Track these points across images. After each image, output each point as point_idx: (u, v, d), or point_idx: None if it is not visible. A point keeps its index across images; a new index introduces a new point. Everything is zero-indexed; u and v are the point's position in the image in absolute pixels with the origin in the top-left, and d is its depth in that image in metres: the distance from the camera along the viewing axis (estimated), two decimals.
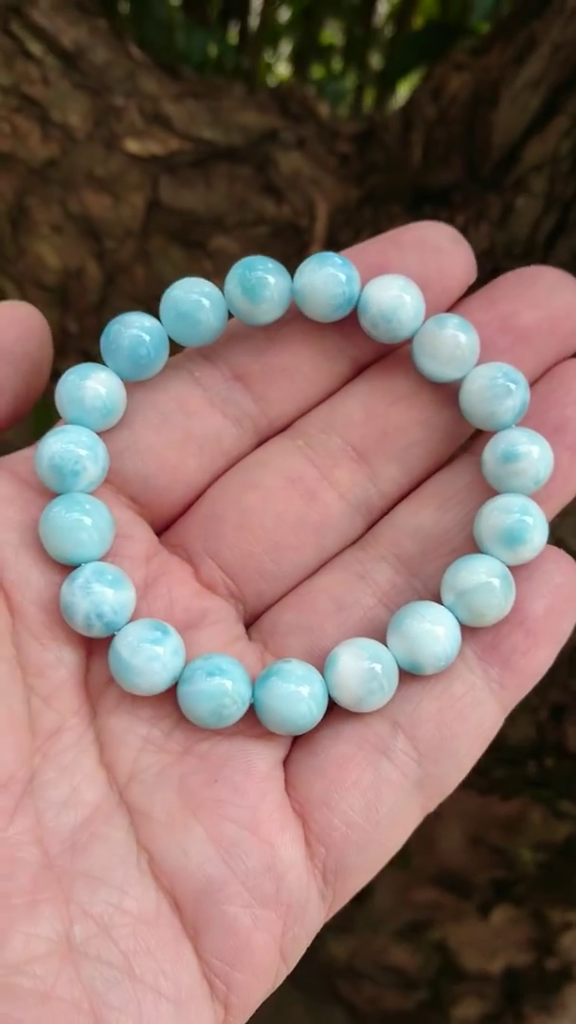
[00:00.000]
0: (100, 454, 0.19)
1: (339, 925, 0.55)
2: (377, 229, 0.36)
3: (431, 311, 0.20)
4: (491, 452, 0.19)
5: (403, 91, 0.74)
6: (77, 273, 0.36)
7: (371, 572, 0.20)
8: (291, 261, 0.37)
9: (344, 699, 0.18)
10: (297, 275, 0.20)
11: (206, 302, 0.20)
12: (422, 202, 0.35)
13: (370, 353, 0.21)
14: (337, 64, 0.81)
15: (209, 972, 0.17)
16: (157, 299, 0.38)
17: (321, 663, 0.19)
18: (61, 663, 0.18)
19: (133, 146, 0.35)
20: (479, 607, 0.18)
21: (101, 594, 0.18)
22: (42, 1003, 0.15)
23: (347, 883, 0.18)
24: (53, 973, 0.16)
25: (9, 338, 0.19)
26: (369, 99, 0.75)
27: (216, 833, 0.18)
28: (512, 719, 0.31)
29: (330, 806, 0.18)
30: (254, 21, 0.57)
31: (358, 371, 0.21)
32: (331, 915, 0.19)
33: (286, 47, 1.03)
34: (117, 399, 0.19)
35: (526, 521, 0.19)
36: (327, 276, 0.19)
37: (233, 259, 0.36)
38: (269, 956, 0.17)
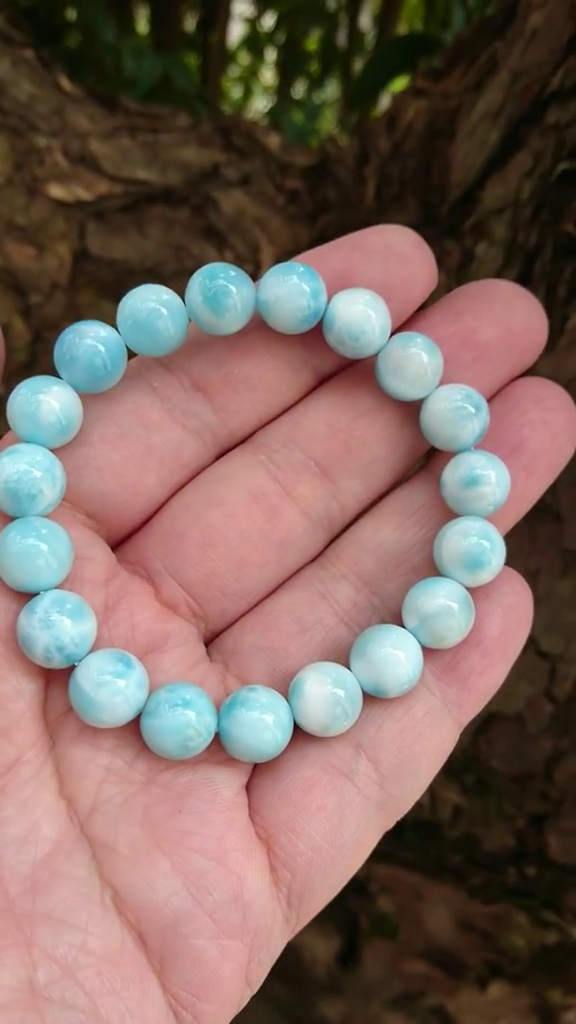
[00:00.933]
0: (57, 475, 0.18)
1: (329, 986, 0.53)
2: None
3: (394, 320, 0.20)
4: (451, 475, 0.19)
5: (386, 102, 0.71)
6: (2, 330, 0.33)
7: (332, 591, 0.20)
8: None
9: (310, 726, 0.18)
10: (261, 286, 0.19)
11: (164, 311, 0.19)
12: None
13: (333, 364, 0.21)
14: (315, 68, 0.78)
15: (176, 1004, 0.17)
16: None
17: (284, 684, 0.19)
18: (20, 695, 0.18)
19: (57, 191, 0.32)
20: (441, 631, 0.19)
21: (60, 625, 0.17)
22: None
23: (311, 904, 0.18)
24: (17, 1022, 0.15)
25: None
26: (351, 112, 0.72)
27: (183, 865, 0.17)
28: (488, 826, 0.28)
29: (296, 831, 0.18)
30: (217, 37, 0.54)
31: (320, 382, 0.21)
32: (295, 935, 0.19)
33: (270, 55, 1.00)
34: (73, 414, 0.19)
35: (484, 545, 0.19)
36: (292, 289, 0.19)
37: None
38: (236, 984, 0.17)
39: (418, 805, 0.34)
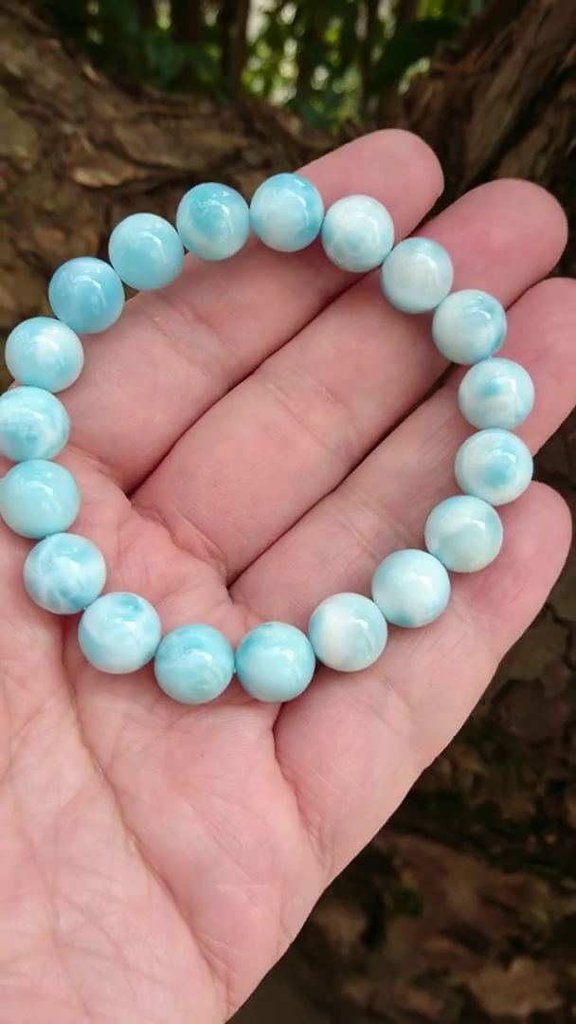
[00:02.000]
0: (58, 416, 0.18)
1: (354, 966, 0.54)
2: None
3: (399, 231, 0.19)
4: (468, 386, 0.18)
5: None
6: (32, 314, 0.34)
7: (353, 520, 0.19)
8: None
9: (331, 660, 0.18)
10: (254, 201, 0.18)
11: (158, 240, 0.18)
12: None
13: (338, 282, 0.20)
14: (335, 59, 0.79)
15: (207, 951, 0.17)
16: None
17: (307, 621, 0.18)
18: (35, 643, 0.17)
19: (84, 176, 0.33)
20: (466, 552, 0.18)
21: (66, 568, 0.17)
22: (28, 1001, 0.15)
23: (346, 847, 0.18)
24: (39, 970, 0.15)
25: None
26: (371, 101, 0.72)
27: (205, 810, 0.17)
28: (508, 794, 0.28)
29: (323, 771, 0.17)
30: (238, 29, 0.55)
31: (327, 302, 0.20)
32: (332, 879, 0.18)
33: (290, 48, 1.01)
34: (73, 355, 0.18)
35: (508, 458, 0.18)
36: (286, 201, 0.18)
37: None
38: (269, 929, 0.17)
39: (439, 775, 0.34)
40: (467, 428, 0.19)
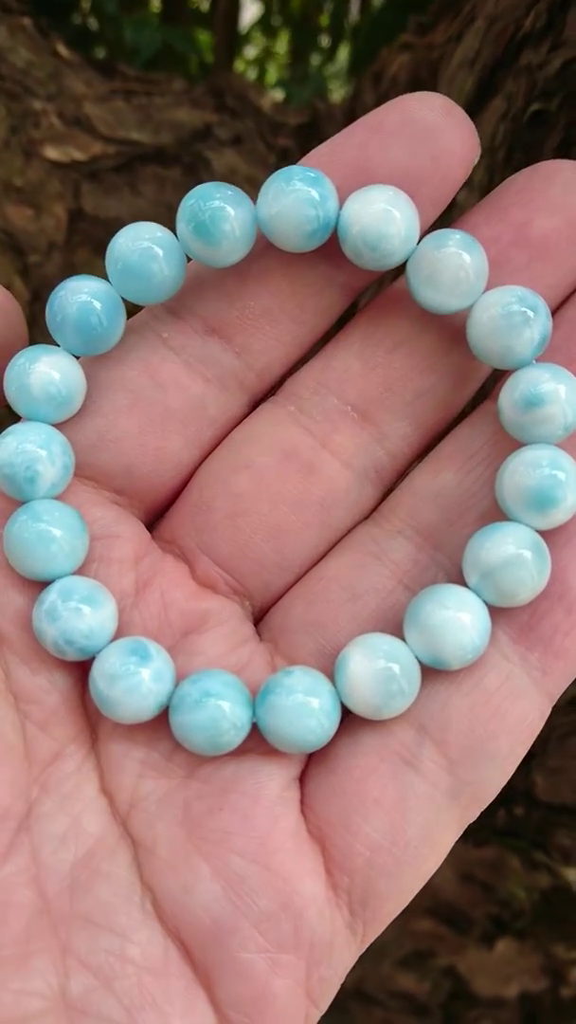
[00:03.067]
0: (57, 452, 0.17)
1: None
2: None
3: (431, 209, 0.16)
4: (509, 396, 0.16)
5: None
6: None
7: (387, 550, 0.18)
8: None
9: (359, 707, 0.16)
10: (260, 200, 0.16)
11: (158, 250, 0.16)
12: None
13: (363, 276, 0.18)
14: (327, 42, 0.78)
15: (228, 1022, 0.15)
16: None
17: (335, 662, 0.17)
18: (54, 687, 0.17)
19: (53, 152, 0.33)
20: (509, 586, 0.16)
21: (71, 617, 0.16)
22: None
23: (379, 912, 0.16)
24: None
25: None
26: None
27: (222, 869, 0.16)
28: None
29: (350, 829, 0.16)
30: (220, 9, 0.54)
31: (352, 297, 0.18)
32: (365, 947, 0.16)
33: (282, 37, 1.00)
34: (74, 383, 0.17)
35: (557, 477, 0.16)
36: (296, 199, 0.16)
37: None
38: (294, 1002, 0.15)
39: None
40: (511, 444, 0.17)
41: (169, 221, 0.34)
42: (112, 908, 0.15)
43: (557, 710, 0.28)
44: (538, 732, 0.17)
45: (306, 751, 0.16)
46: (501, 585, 0.16)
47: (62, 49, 0.36)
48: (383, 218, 0.16)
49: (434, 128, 0.16)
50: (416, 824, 0.16)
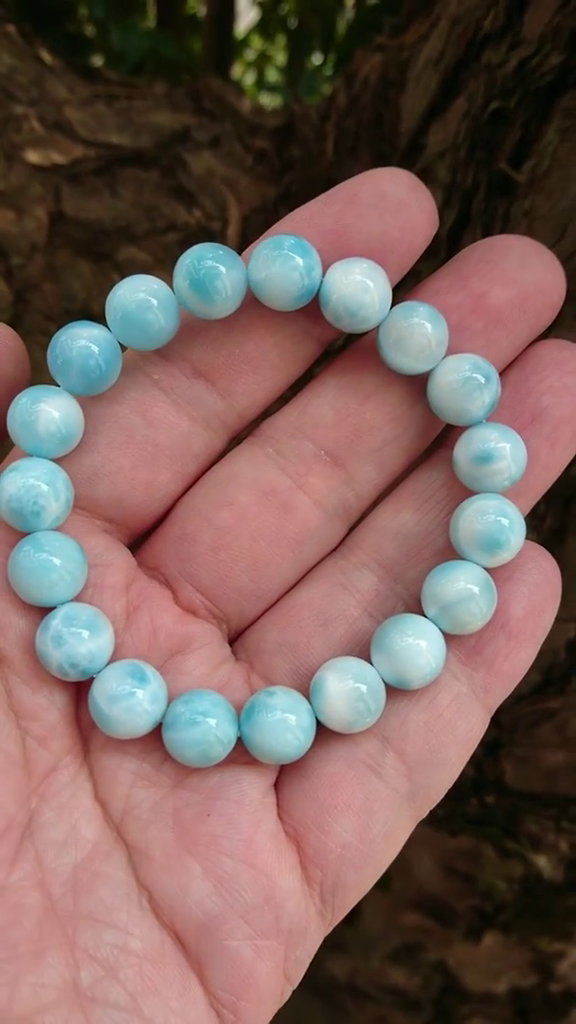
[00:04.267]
0: (61, 487, 0.18)
1: (333, 943, 0.54)
2: None
3: (397, 273, 0.19)
4: (463, 452, 0.19)
5: None
6: None
7: (354, 581, 0.20)
8: None
9: (333, 724, 0.18)
10: (251, 264, 0.18)
11: (154, 301, 0.18)
12: None
13: (337, 332, 0.20)
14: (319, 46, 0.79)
15: (217, 1003, 0.17)
16: (70, 315, 0.36)
17: (308, 681, 0.19)
18: (52, 704, 0.18)
19: (34, 156, 0.34)
20: (462, 617, 0.18)
21: (74, 642, 0.17)
22: None
23: (344, 899, 0.18)
24: (62, 1022, 0.16)
25: None
26: None
27: (213, 869, 0.17)
28: None
29: (324, 829, 0.18)
30: (208, 13, 0.55)
31: (324, 347, 0.20)
32: (331, 928, 0.19)
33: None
34: (74, 422, 0.18)
35: (502, 523, 0.18)
36: (283, 265, 0.18)
37: (143, 270, 0.34)
38: (273, 981, 0.17)
39: None
40: (462, 491, 0.19)
41: (147, 222, 0.34)
42: (112, 906, 0.17)
43: (523, 699, 0.29)
44: (478, 742, 0.19)
45: (285, 762, 0.18)
46: (456, 617, 0.18)
47: (45, 55, 0.37)
48: (361, 288, 0.18)
49: (402, 203, 0.18)
50: (380, 823, 0.18)
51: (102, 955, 0.16)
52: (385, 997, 0.57)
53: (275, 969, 0.17)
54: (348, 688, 0.18)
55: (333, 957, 0.57)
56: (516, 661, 0.19)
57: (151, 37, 0.44)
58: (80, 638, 0.17)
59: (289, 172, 0.34)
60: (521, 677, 0.19)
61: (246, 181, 0.34)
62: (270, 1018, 0.18)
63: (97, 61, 0.61)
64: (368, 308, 0.18)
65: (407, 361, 0.18)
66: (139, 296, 0.18)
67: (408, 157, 0.29)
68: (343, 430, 0.19)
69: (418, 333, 0.18)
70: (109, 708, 0.17)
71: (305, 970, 0.18)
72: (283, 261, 0.18)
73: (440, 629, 0.18)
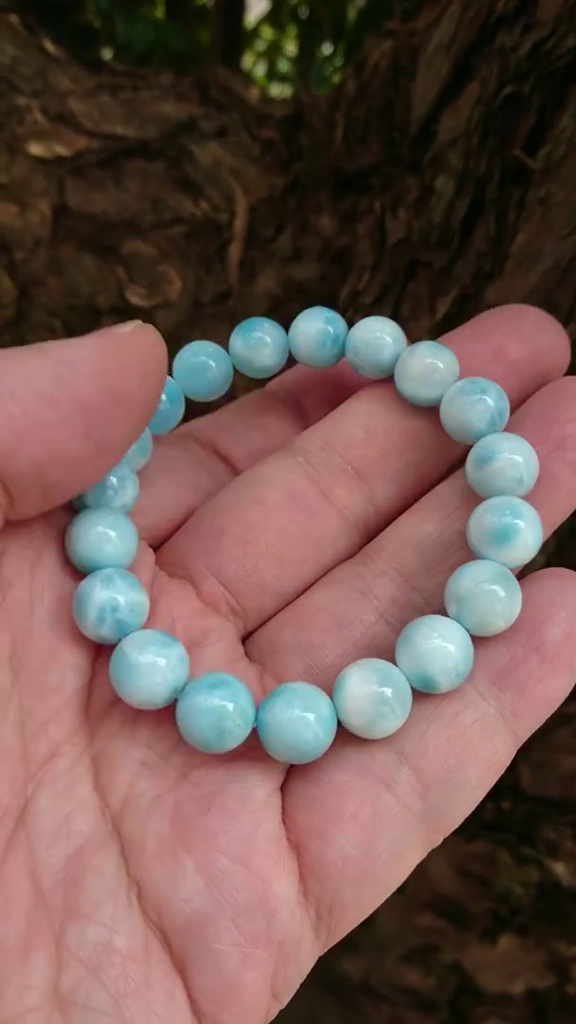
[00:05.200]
0: (130, 483, 0.20)
1: (347, 943, 0.54)
2: (302, 220, 0.33)
3: (532, 387, 0.21)
4: (470, 460, 0.19)
5: None
6: None
7: (372, 587, 0.20)
8: (211, 261, 0.34)
9: (354, 724, 0.17)
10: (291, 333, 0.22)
11: (212, 362, 0.21)
12: (345, 189, 0.31)
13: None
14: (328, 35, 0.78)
15: (199, 1012, 0.16)
16: (74, 310, 0.36)
17: (321, 682, 0.18)
18: (64, 684, 0.18)
19: (37, 148, 0.33)
20: (483, 613, 0.18)
21: (122, 588, 0.18)
22: None
23: (342, 919, 0.17)
24: None
25: (133, 380, 0.17)
26: None
27: (206, 865, 0.17)
28: None
29: (326, 839, 0.17)
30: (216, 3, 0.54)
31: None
32: (325, 950, 0.18)
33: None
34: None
35: (511, 519, 0.18)
36: (315, 330, 0.21)
37: (149, 263, 0.34)
38: (259, 996, 0.16)
39: None
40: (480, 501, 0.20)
41: (153, 215, 0.34)
42: (100, 901, 0.16)
43: None
44: (504, 769, 0.18)
45: (300, 761, 0.17)
46: (476, 612, 0.18)
47: (49, 45, 0.36)
48: (379, 339, 0.21)
49: (533, 339, 0.21)
50: (388, 840, 0.17)
51: (86, 954, 0.16)
52: (400, 997, 0.56)
53: (262, 982, 0.17)
54: (373, 690, 0.17)
55: (347, 957, 0.56)
56: (549, 687, 0.18)
57: (158, 28, 0.43)
58: (128, 585, 0.18)
59: (297, 162, 0.33)
60: (554, 707, 0.18)
61: (254, 172, 0.33)
62: None
63: (106, 53, 0.61)
64: (386, 353, 0.21)
65: (423, 391, 0.20)
66: (200, 358, 0.22)
67: (419, 145, 0.28)
68: (370, 449, 0.20)
69: (430, 367, 0.20)
70: (129, 669, 0.17)
71: (294, 991, 0.17)
72: (315, 326, 0.21)
73: (465, 628, 0.18)
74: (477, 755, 0.17)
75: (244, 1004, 0.16)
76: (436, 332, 0.27)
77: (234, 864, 0.17)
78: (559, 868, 0.33)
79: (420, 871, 0.48)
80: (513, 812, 0.32)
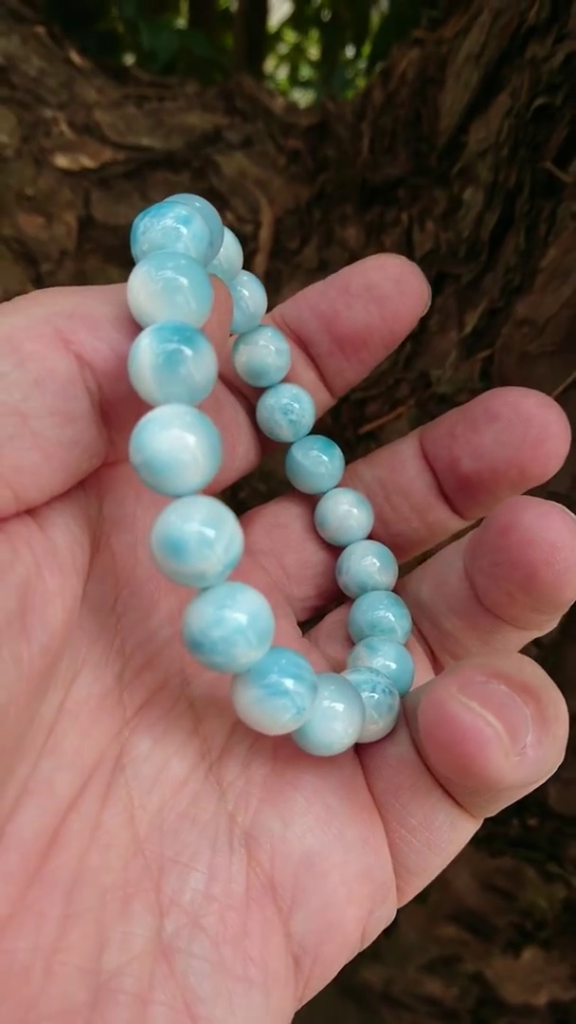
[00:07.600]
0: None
1: (369, 952, 0.53)
2: (328, 232, 0.33)
3: (382, 350, 0.21)
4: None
5: None
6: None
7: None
8: None
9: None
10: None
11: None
12: (371, 200, 0.31)
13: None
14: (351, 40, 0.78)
15: (298, 949, 0.17)
16: None
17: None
18: (160, 631, 0.18)
19: (63, 161, 0.33)
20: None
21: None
22: (143, 1007, 0.15)
23: (409, 885, 0.17)
24: (148, 972, 0.15)
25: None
26: None
27: (316, 802, 0.17)
28: None
29: (405, 812, 0.17)
30: (240, 8, 0.54)
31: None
32: (401, 905, 0.18)
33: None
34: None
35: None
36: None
37: None
38: (355, 933, 0.17)
39: None
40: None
41: None
42: (198, 849, 0.16)
43: (571, 722, 0.28)
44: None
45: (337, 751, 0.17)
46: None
47: (75, 56, 0.36)
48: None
49: (387, 295, 0.20)
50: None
51: (186, 900, 0.16)
52: (421, 1007, 0.56)
53: (360, 920, 0.17)
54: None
55: (368, 966, 0.56)
56: None
57: (181, 35, 0.43)
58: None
59: (323, 172, 0.33)
60: None
61: (279, 182, 0.33)
62: (335, 973, 0.17)
63: (128, 60, 0.61)
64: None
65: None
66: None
67: (447, 156, 0.28)
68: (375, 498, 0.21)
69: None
70: (208, 629, 0.15)
71: (375, 936, 0.17)
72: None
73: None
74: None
75: (343, 939, 0.17)
76: (463, 347, 0.26)
77: (342, 801, 0.17)
78: None
79: (443, 883, 0.48)
80: (540, 829, 0.31)
